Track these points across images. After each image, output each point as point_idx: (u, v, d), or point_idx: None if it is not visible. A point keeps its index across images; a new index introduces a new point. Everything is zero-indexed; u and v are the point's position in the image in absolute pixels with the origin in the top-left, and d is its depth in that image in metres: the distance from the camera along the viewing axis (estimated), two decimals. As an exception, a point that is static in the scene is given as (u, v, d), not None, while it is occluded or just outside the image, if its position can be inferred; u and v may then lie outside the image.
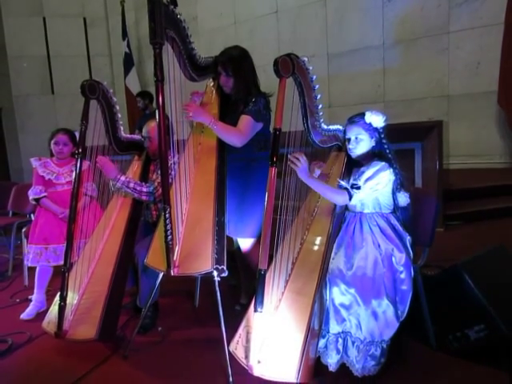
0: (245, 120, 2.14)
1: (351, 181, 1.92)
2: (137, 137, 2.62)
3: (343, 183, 1.87)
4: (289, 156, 1.78)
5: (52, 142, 2.76)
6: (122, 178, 2.40)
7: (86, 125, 2.08)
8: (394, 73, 5.69)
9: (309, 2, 6.12)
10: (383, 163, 1.85)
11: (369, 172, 1.82)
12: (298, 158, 1.76)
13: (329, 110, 5.74)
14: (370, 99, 5.79)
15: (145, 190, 2.43)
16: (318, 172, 2.18)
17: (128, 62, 7.31)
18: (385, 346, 1.77)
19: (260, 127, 2.20)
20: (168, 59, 1.89)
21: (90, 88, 2.14)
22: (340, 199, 1.86)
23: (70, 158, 2.83)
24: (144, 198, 2.43)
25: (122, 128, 2.41)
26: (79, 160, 2.08)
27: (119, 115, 2.37)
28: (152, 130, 2.47)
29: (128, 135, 2.50)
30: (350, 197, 1.83)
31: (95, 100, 2.18)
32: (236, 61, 2.19)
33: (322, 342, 1.82)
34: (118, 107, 2.34)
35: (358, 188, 1.82)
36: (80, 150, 2.08)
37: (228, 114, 2.26)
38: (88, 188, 2.70)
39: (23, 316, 2.62)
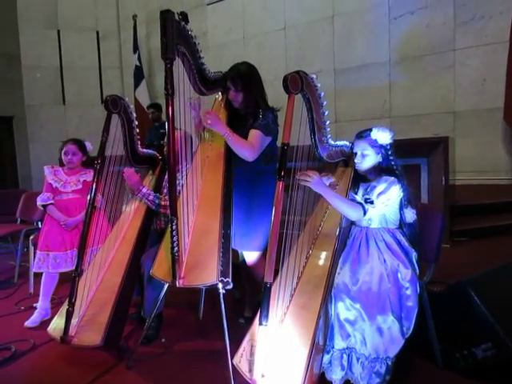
0: (255, 134, 2.16)
1: (360, 194, 1.94)
2: (152, 152, 2.68)
3: (357, 198, 1.87)
4: (297, 177, 1.78)
5: (62, 152, 2.82)
6: (144, 190, 2.48)
7: (107, 136, 2.17)
8: (400, 88, 5.73)
9: (316, 18, 6.21)
10: (393, 178, 1.85)
11: (380, 187, 1.83)
12: (307, 175, 1.76)
13: (335, 125, 5.78)
14: (376, 114, 5.83)
15: (161, 203, 2.49)
16: (326, 182, 2.19)
17: (138, 75, 7.43)
18: (390, 363, 1.76)
19: (269, 141, 2.22)
20: (178, 73, 1.92)
21: (113, 103, 2.23)
22: (354, 214, 1.85)
23: (80, 168, 2.88)
24: (161, 210, 2.50)
25: (139, 142, 2.48)
26: (98, 168, 2.14)
27: (137, 130, 2.43)
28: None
29: (144, 150, 2.57)
30: (365, 212, 1.83)
31: (116, 114, 2.26)
32: (245, 76, 2.23)
33: (326, 358, 1.81)
34: (136, 122, 2.41)
35: (372, 203, 1.82)
36: (99, 161, 2.14)
37: (237, 129, 2.29)
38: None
39: (28, 323, 2.63)
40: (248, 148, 2.14)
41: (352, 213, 1.85)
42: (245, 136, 2.18)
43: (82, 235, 2.13)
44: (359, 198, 1.88)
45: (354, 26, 5.93)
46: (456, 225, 3.91)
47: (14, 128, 7.87)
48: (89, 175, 2.80)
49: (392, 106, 5.83)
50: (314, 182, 1.77)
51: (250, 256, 2.35)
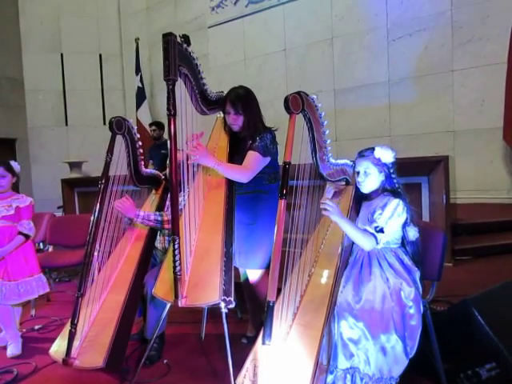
0: (251, 156, 2.19)
1: (362, 213, 1.94)
2: (155, 172, 2.68)
3: (369, 229, 1.87)
4: (321, 201, 1.81)
5: None
6: (141, 214, 2.43)
7: (111, 157, 2.18)
8: (400, 108, 5.80)
9: (316, 40, 6.34)
10: (397, 200, 1.86)
11: (387, 211, 1.84)
12: (327, 204, 1.78)
13: (335, 144, 5.83)
14: (376, 133, 5.89)
15: (164, 218, 2.47)
16: (330, 190, 2.22)
17: (140, 96, 7.55)
18: (394, 383, 1.73)
19: (267, 162, 2.25)
20: (181, 94, 1.96)
21: (118, 124, 2.25)
22: (368, 244, 1.85)
23: (10, 192, 2.67)
24: (166, 226, 2.46)
25: (142, 163, 2.49)
26: (101, 189, 2.13)
27: (141, 150, 2.45)
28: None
29: (148, 170, 2.57)
30: (377, 242, 1.84)
31: (120, 135, 2.28)
32: (244, 98, 2.27)
33: (329, 378, 1.78)
34: (140, 143, 2.43)
35: (382, 231, 1.83)
36: (103, 181, 2.15)
37: (237, 151, 2.32)
38: (25, 226, 2.62)
39: (10, 354, 2.52)
40: (239, 172, 2.18)
41: (366, 243, 1.86)
42: (243, 158, 2.22)
43: (85, 256, 2.12)
44: (370, 228, 1.87)
45: (353, 48, 6.05)
46: (458, 243, 3.91)
47: (17, 150, 7.95)
48: (22, 200, 2.65)
49: (392, 126, 5.89)
50: (333, 210, 1.79)
51: (253, 274, 2.35)
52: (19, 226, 2.61)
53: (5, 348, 2.61)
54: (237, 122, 2.29)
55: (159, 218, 2.47)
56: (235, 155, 2.31)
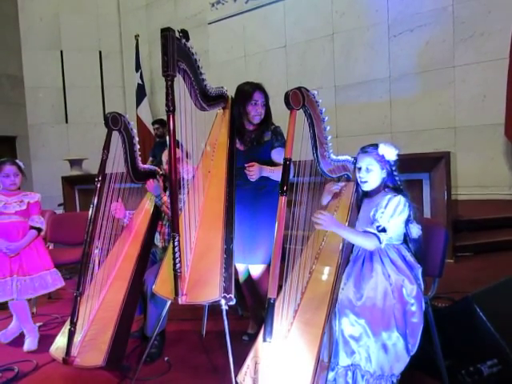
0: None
1: (363, 209, 1.92)
2: (153, 167, 2.66)
3: (371, 229, 1.84)
4: (312, 218, 1.78)
5: (0, 175, 2.64)
6: (165, 198, 2.49)
7: (107, 154, 2.16)
8: (401, 104, 5.78)
9: (316, 36, 6.31)
10: (399, 196, 1.84)
11: (389, 209, 1.81)
12: (317, 217, 1.76)
13: (336, 140, 5.82)
14: (377, 130, 5.87)
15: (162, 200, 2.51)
16: (328, 198, 2.23)
17: (140, 93, 7.54)
18: (395, 380, 1.73)
19: None
20: (180, 90, 1.94)
21: (113, 120, 2.22)
22: (371, 244, 1.82)
23: (18, 190, 2.74)
24: (165, 207, 2.50)
25: (139, 158, 2.47)
26: (98, 187, 2.11)
27: (138, 146, 2.42)
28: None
29: (145, 165, 2.55)
30: (380, 242, 1.81)
31: (117, 131, 2.25)
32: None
33: (330, 375, 1.78)
34: (137, 138, 2.40)
35: (384, 230, 1.81)
36: (100, 178, 2.12)
37: (256, 146, 2.34)
38: (36, 220, 2.67)
39: (28, 347, 2.58)
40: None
41: (368, 244, 1.83)
42: (264, 152, 2.29)
43: (82, 255, 2.11)
44: (372, 229, 1.85)
45: (354, 44, 6.02)
46: (459, 240, 3.90)
47: (17, 147, 7.94)
48: (31, 196, 2.72)
49: (392, 122, 5.88)
50: (327, 222, 1.76)
51: (256, 269, 2.35)
52: (30, 220, 2.67)
53: (8, 344, 2.66)
54: (261, 111, 2.30)
55: (162, 200, 2.50)
56: (253, 152, 2.32)
